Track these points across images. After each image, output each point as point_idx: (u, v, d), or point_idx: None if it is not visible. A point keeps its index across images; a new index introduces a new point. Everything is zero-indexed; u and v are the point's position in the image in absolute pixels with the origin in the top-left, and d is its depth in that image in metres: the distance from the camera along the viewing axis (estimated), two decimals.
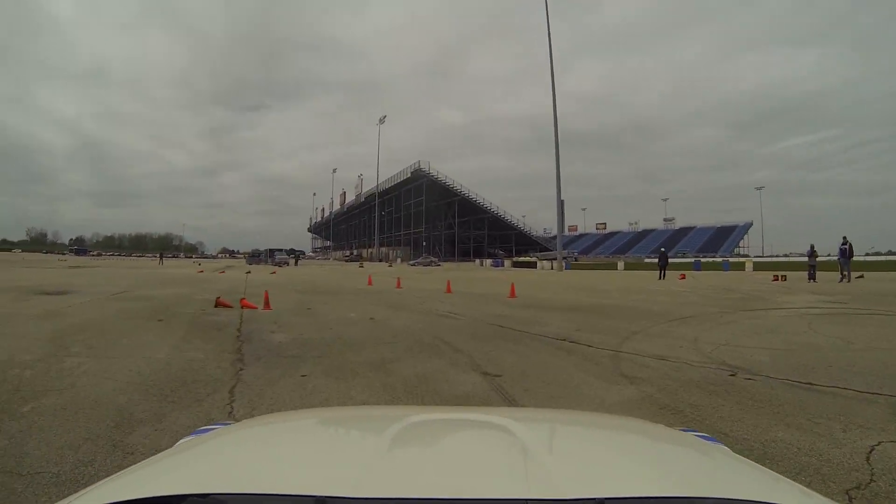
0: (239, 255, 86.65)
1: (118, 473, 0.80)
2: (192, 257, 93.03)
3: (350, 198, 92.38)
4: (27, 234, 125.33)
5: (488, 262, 52.26)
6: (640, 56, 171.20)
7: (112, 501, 0.60)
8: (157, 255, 53.63)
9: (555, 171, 36.91)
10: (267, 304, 8.55)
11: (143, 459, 0.92)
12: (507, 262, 48.48)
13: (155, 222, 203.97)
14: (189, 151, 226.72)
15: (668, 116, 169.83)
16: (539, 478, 0.69)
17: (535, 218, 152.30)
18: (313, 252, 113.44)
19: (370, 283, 16.34)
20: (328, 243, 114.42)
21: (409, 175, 67.58)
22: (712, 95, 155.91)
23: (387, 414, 1.42)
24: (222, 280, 17.61)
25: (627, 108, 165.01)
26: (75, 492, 0.72)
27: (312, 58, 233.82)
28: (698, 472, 0.86)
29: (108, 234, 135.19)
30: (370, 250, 75.41)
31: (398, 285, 14.93)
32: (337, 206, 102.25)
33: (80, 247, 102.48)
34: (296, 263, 47.51)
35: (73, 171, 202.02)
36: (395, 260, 63.22)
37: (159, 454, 0.92)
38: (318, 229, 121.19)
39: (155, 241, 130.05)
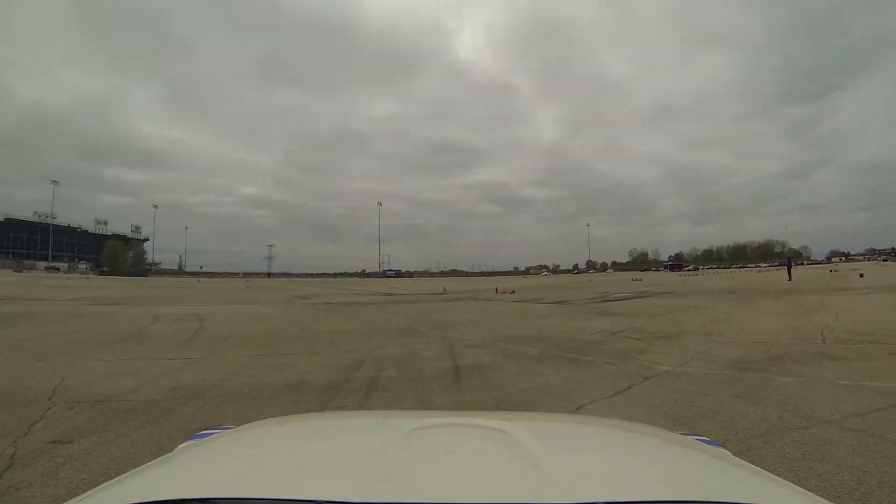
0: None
1: (117, 478, 0.80)
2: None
3: None
4: (629, 255, 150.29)
5: None
6: None
7: None
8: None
9: None
10: None
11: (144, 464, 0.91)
12: None
13: (749, 232, 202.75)
14: (772, 157, 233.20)
15: None
16: (541, 483, 0.69)
17: None
18: None
19: None
20: None
21: None
22: None
23: (388, 419, 1.42)
24: None
25: None
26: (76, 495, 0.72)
27: (870, 13, 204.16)
28: (700, 476, 0.86)
29: (706, 248, 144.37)
30: None
31: None
32: None
33: (675, 262, 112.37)
34: None
35: (668, 198, 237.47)
36: None
37: (159, 458, 0.93)
38: None
39: (754, 249, 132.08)
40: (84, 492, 0.74)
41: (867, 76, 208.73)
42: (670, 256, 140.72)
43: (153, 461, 0.91)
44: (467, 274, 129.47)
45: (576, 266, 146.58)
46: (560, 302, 17.02)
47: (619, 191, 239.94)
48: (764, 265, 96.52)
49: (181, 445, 1.09)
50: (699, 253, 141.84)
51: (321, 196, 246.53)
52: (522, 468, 0.77)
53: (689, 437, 1.21)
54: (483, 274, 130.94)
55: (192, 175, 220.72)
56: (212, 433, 1.17)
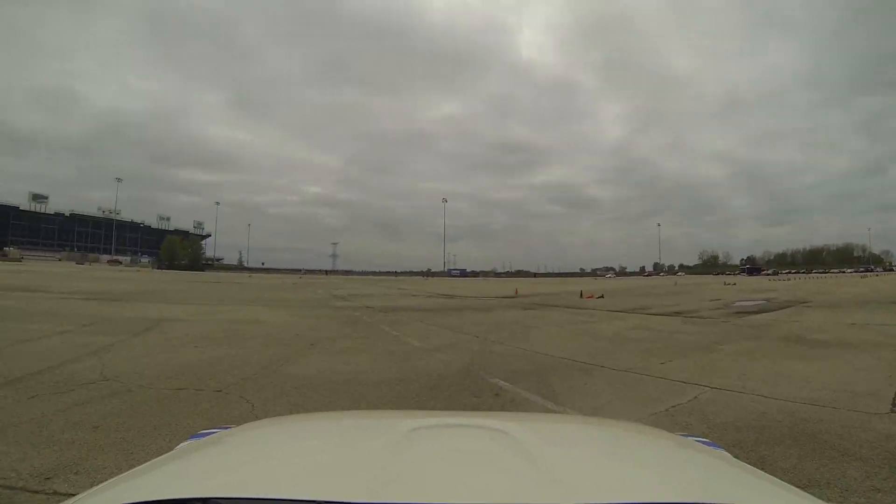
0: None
1: (117, 477, 0.79)
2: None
3: None
4: (699, 258, 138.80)
5: None
6: None
7: None
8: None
9: None
10: None
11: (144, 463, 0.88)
12: None
13: (823, 235, 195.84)
14: (846, 152, 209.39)
15: None
16: (540, 484, 0.69)
17: None
18: None
19: None
20: None
21: None
22: None
23: (389, 419, 1.38)
24: None
25: None
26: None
27: None
28: (700, 477, 0.86)
29: (779, 251, 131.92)
30: None
31: None
32: None
33: (752, 266, 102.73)
34: None
35: (736, 198, 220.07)
36: None
37: (159, 458, 0.92)
38: None
39: (832, 253, 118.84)
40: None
41: None
42: (742, 259, 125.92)
43: (153, 461, 0.90)
44: (534, 275, 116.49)
45: (643, 268, 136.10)
46: (678, 314, 11.61)
47: (685, 190, 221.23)
48: (849, 270, 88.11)
49: (181, 445, 1.10)
50: (771, 256, 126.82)
51: (386, 195, 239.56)
52: (522, 469, 0.77)
53: (688, 438, 1.21)
54: (549, 275, 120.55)
55: (259, 175, 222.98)
56: (211, 433, 1.17)
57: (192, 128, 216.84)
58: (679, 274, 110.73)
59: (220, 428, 1.26)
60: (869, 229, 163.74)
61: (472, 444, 0.97)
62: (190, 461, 0.88)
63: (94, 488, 0.73)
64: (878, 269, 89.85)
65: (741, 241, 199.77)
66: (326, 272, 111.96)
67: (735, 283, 34.12)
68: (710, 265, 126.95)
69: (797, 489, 0.81)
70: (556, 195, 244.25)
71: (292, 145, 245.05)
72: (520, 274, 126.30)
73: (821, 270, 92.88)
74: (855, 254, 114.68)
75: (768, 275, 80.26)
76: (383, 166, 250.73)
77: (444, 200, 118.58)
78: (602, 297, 18.87)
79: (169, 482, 0.74)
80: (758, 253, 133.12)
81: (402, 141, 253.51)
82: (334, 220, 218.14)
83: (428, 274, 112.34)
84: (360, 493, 0.62)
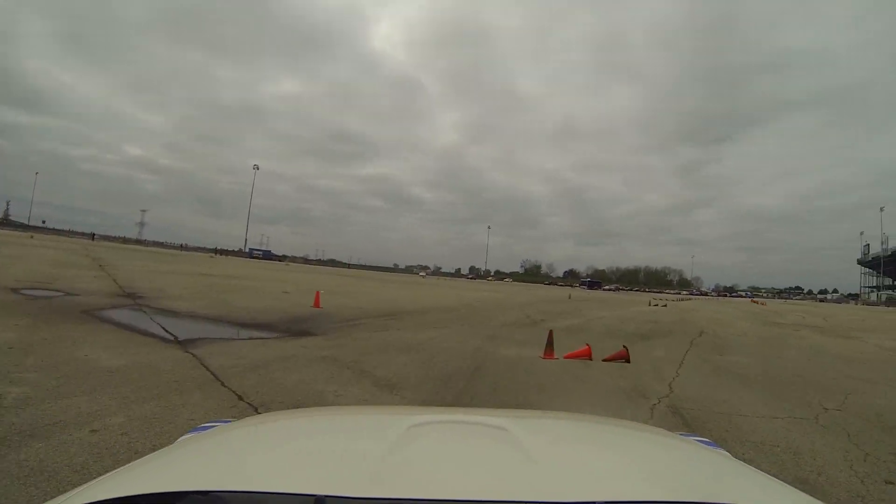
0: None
1: (117, 470, 0.79)
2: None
3: None
4: (521, 266, 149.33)
5: None
6: None
7: (111, 497, 0.59)
8: None
9: None
10: None
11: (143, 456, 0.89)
12: None
13: (633, 258, 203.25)
14: (662, 191, 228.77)
15: None
16: (538, 481, 0.69)
17: None
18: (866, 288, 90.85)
19: None
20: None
21: None
22: None
23: (387, 415, 1.40)
24: None
25: None
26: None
27: (767, 78, 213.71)
28: (699, 477, 0.86)
29: (601, 268, 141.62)
30: None
31: None
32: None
33: (592, 280, 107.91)
34: None
35: (557, 216, 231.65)
36: None
37: (159, 451, 0.92)
38: (870, 265, 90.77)
39: (649, 274, 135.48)
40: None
41: (756, 132, 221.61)
42: (565, 272, 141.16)
43: (154, 453, 0.91)
44: (347, 265, 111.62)
45: (458, 270, 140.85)
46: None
47: (510, 203, 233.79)
48: (684, 292, 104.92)
49: (182, 438, 1.09)
50: (591, 272, 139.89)
51: (212, 168, 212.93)
52: (521, 465, 0.77)
53: (688, 437, 1.21)
54: (363, 267, 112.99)
55: (77, 125, 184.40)
56: (212, 426, 1.16)
57: (6, 55, 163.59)
58: (507, 280, 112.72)
59: (220, 421, 1.27)
60: (693, 257, 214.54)
61: (471, 441, 0.98)
62: (190, 454, 0.88)
63: (95, 480, 0.73)
64: (694, 291, 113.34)
65: (556, 257, 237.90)
66: (93, 236, 79.26)
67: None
68: (532, 274, 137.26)
69: (796, 489, 0.81)
70: (380, 189, 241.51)
71: (121, 99, 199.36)
72: (332, 263, 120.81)
73: (640, 289, 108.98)
74: (668, 277, 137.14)
75: (610, 289, 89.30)
76: (213, 137, 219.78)
77: (256, 167, 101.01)
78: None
79: (169, 474, 0.74)
80: (576, 267, 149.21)
81: (236, 113, 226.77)
82: (152, 186, 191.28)
83: (218, 252, 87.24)
84: (359, 487, 0.63)
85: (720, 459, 1.01)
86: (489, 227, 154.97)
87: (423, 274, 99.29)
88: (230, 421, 1.25)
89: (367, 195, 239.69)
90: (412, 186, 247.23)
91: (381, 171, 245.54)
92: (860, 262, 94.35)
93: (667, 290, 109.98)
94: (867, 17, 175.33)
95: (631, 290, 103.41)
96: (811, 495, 0.78)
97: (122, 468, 0.80)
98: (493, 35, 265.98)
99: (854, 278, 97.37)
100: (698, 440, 1.20)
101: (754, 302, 58.58)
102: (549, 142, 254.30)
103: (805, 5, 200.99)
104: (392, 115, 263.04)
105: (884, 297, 73.99)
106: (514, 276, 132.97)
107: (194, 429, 1.19)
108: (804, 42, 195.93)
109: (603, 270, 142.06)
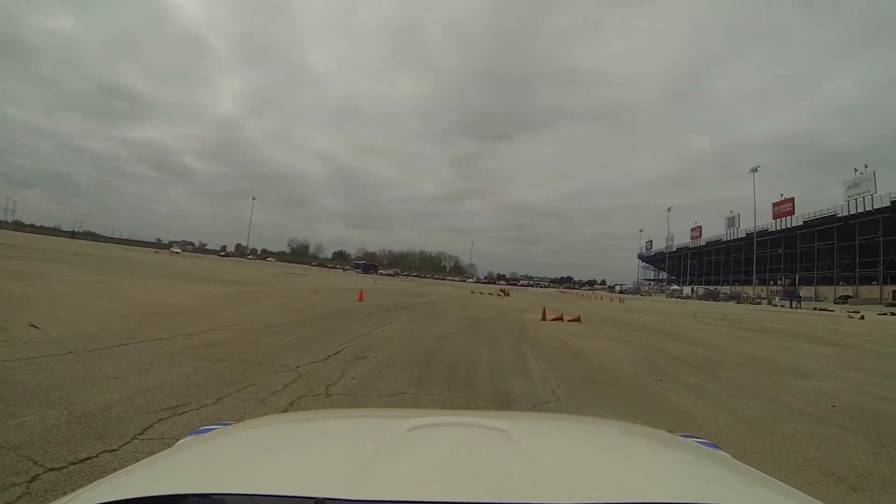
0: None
1: (117, 472, 0.79)
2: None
3: (712, 233, 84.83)
4: (288, 245, 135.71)
5: None
6: None
7: (111, 500, 0.59)
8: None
9: None
10: None
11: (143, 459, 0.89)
12: None
13: (402, 242, 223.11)
14: (436, 180, 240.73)
15: None
16: (538, 483, 0.69)
17: None
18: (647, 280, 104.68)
19: None
20: (670, 276, 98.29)
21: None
22: None
23: (388, 417, 1.39)
24: None
25: None
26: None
27: (552, 89, 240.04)
28: (699, 478, 0.86)
29: (373, 251, 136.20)
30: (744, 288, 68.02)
31: None
32: (677, 241, 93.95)
33: (367, 262, 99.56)
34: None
35: (329, 197, 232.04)
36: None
37: (159, 454, 0.91)
38: (652, 260, 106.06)
39: (423, 260, 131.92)
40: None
41: (533, 135, 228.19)
42: (334, 253, 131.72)
43: (153, 456, 0.90)
44: (108, 239, 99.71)
45: (224, 247, 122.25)
46: None
47: (283, 180, 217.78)
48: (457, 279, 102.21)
49: (181, 441, 1.09)
50: (362, 254, 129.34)
51: None
52: (521, 468, 0.76)
53: (688, 439, 1.21)
54: (123, 242, 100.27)
55: None
56: (212, 429, 1.16)
57: None
58: (270, 260, 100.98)
59: (220, 424, 1.27)
60: (472, 243, 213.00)
61: (471, 443, 0.97)
62: (190, 457, 0.88)
63: (94, 483, 0.73)
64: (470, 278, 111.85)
65: (326, 238, 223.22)
66: None
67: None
68: (300, 255, 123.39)
69: (797, 490, 0.81)
70: (151, 156, 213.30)
71: None
72: (90, 236, 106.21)
73: (427, 275, 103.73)
74: (442, 263, 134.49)
75: (388, 275, 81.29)
76: None
77: None
78: None
79: (169, 477, 0.74)
80: (345, 249, 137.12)
81: None
82: None
83: None
84: (359, 490, 0.62)
85: (720, 460, 1.01)
86: (254, 199, 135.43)
87: (179, 251, 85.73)
88: (230, 424, 1.26)
89: (136, 161, 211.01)
90: (184, 155, 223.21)
91: (154, 136, 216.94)
92: (641, 258, 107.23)
93: (448, 278, 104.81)
94: (647, 53, 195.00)
95: (409, 275, 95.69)
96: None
97: (122, 471, 0.81)
98: (295, 4, 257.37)
99: (623, 272, 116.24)
100: (699, 442, 1.20)
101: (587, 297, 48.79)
102: (330, 122, 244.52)
103: (595, 35, 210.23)
104: (173, 74, 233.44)
105: (701, 291, 71.50)
106: (280, 256, 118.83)
107: (194, 431, 1.20)
108: (588, 64, 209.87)
109: (374, 253, 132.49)
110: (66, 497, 0.66)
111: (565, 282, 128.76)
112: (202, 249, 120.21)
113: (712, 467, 0.95)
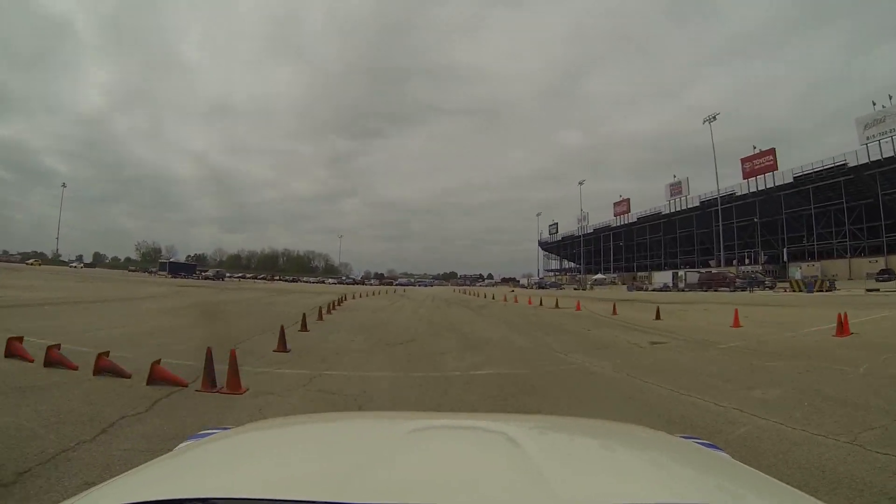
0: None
1: (116, 477, 0.79)
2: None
3: (600, 220, 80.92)
4: (136, 249, 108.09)
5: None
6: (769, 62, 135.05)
7: None
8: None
9: None
10: None
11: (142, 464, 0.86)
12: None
13: (277, 243, 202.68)
14: (310, 179, 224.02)
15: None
16: (540, 486, 0.69)
17: None
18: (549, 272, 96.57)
19: None
20: (573, 265, 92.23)
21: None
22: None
23: (388, 420, 1.41)
24: None
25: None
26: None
27: (429, 85, 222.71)
28: (700, 479, 0.86)
29: (234, 253, 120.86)
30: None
31: None
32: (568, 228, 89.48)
33: (190, 263, 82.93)
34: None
35: (202, 199, 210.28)
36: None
37: (158, 458, 0.93)
38: (553, 248, 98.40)
39: (291, 260, 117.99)
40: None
41: (407, 130, 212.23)
42: (188, 256, 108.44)
43: (152, 461, 0.90)
44: None
45: (80, 256, 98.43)
46: None
47: (153, 182, 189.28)
48: (330, 280, 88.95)
49: (180, 445, 1.09)
50: (224, 257, 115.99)
51: None
52: (522, 471, 0.76)
53: (689, 440, 1.21)
54: None
55: None
56: (211, 433, 1.16)
57: None
58: (30, 262, 71.50)
59: (219, 428, 1.27)
60: (340, 236, 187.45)
61: (472, 446, 0.97)
62: (189, 461, 0.89)
63: (93, 488, 0.73)
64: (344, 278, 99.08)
65: (201, 243, 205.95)
66: None
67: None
68: (149, 261, 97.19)
69: (798, 490, 0.81)
70: (7, 157, 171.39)
71: None
72: None
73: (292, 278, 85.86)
74: (313, 263, 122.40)
75: (210, 278, 65.19)
76: None
77: None
78: None
79: (168, 482, 0.74)
80: (212, 253, 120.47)
81: None
82: None
83: None
84: (360, 494, 0.62)
85: (721, 462, 1.01)
86: (64, 185, 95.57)
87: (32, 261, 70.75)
88: (229, 428, 1.26)
89: None
90: (46, 154, 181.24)
91: (9, 133, 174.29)
92: (543, 245, 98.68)
93: (312, 279, 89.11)
94: (525, 54, 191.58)
95: (257, 277, 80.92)
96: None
97: (120, 476, 0.80)
98: None
99: (500, 265, 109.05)
100: (699, 443, 1.20)
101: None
102: (203, 119, 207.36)
103: (473, 33, 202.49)
104: (33, 59, 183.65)
105: (694, 277, 49.01)
106: (116, 264, 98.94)
107: (193, 436, 1.19)
108: (466, 60, 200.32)
109: (238, 255, 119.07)
110: (65, 502, 0.66)
111: (451, 278, 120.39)
112: (56, 261, 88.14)
113: (714, 469, 0.95)
